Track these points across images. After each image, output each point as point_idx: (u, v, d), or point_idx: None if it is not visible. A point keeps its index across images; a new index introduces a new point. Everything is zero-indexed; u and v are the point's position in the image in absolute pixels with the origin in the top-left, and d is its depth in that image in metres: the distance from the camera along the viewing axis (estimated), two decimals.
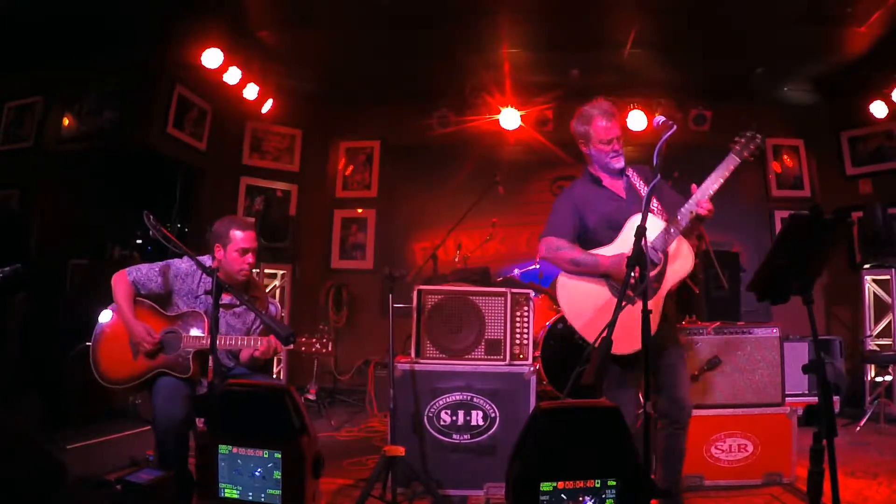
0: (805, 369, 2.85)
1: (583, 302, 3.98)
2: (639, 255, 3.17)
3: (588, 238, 4.07)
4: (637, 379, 3.93)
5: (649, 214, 3.70)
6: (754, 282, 3.17)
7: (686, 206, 3.79)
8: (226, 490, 3.20)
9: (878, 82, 8.10)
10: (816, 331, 2.81)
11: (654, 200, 3.91)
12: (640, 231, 3.22)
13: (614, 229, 3.96)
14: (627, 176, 4.12)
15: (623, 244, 3.86)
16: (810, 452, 2.75)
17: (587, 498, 2.73)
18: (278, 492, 3.12)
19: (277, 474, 3.11)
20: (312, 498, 3.21)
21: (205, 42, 7.53)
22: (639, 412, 3.84)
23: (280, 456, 3.10)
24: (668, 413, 3.97)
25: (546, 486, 2.70)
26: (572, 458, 2.77)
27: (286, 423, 3.11)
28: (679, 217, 3.79)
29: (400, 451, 4.41)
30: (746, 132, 3.83)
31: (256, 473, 3.14)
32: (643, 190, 3.94)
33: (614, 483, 2.75)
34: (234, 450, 3.18)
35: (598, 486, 2.74)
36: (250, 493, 3.17)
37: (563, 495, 2.72)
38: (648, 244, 3.69)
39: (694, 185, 3.77)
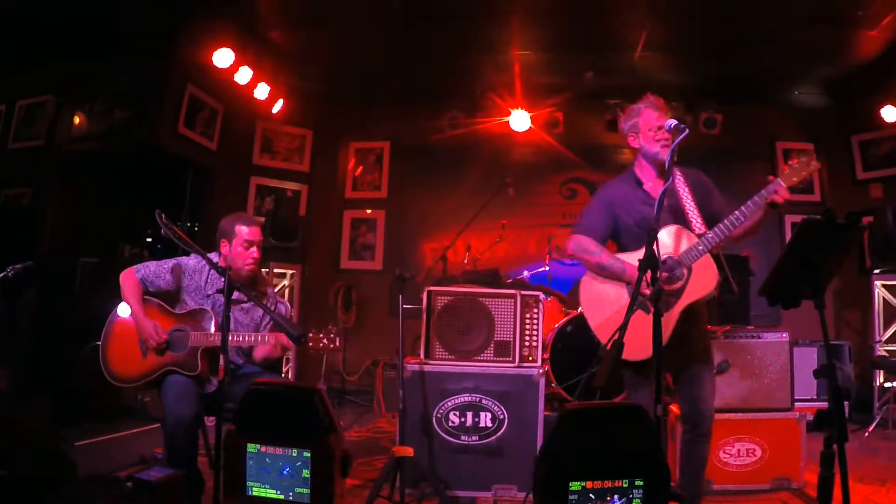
0: (816, 374, 2.84)
1: (602, 303, 3.97)
2: (650, 259, 3.16)
3: (618, 239, 4.07)
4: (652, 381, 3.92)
5: (683, 229, 3.76)
6: (766, 286, 3.16)
7: (757, 196, 3.58)
8: (254, 489, 3.21)
9: (889, 86, 8.08)
10: (828, 335, 2.80)
11: (695, 208, 3.84)
12: (652, 235, 3.20)
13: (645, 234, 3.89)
14: (672, 178, 3.93)
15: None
16: (821, 457, 2.74)
17: (615, 497, 2.74)
18: (307, 490, 3.14)
19: (306, 473, 3.14)
20: (341, 496, 3.24)
21: (216, 42, 7.56)
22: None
23: (309, 454, 3.12)
24: (690, 420, 3.95)
25: (575, 486, 2.72)
26: (600, 458, 2.79)
27: (315, 422, 3.12)
28: (735, 215, 3.61)
29: (409, 451, 4.41)
30: (802, 156, 3.60)
31: (285, 472, 3.17)
32: (686, 196, 3.88)
33: (641, 483, 2.76)
34: (263, 448, 3.20)
35: (625, 486, 2.76)
36: (279, 492, 3.18)
37: (591, 495, 2.74)
38: (675, 258, 3.71)
39: (771, 176, 3.57)
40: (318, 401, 3.16)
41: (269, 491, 3.19)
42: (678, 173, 3.96)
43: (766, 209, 3.56)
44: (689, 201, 3.85)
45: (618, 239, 4.07)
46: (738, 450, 4.99)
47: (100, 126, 8.07)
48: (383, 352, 8.23)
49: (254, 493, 3.21)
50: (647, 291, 3.44)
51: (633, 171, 4.09)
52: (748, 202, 3.57)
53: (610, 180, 4.26)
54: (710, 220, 3.75)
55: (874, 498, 4.80)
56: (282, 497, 3.18)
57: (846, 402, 7.10)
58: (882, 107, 8.24)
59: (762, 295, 3.17)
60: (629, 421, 2.86)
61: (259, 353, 4.38)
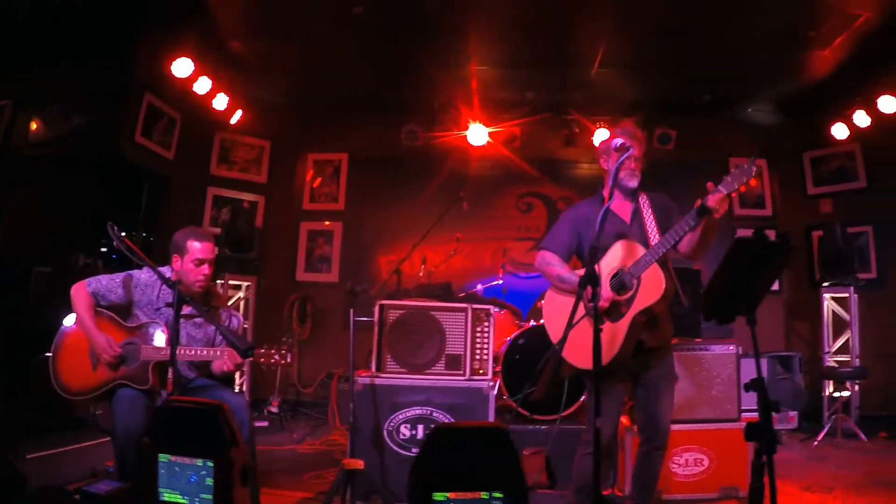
0: (747, 387, 2.92)
1: (562, 316, 4.01)
2: (591, 276, 3.25)
3: (583, 257, 4.18)
4: (616, 392, 3.99)
5: (635, 242, 3.88)
6: (702, 302, 3.24)
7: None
8: (165, 494, 3.31)
9: (839, 104, 8.33)
10: (758, 350, 2.89)
11: (655, 227, 3.99)
12: (593, 251, 3.30)
13: (605, 251, 4.01)
14: (638, 202, 4.15)
15: (604, 266, 3.91)
16: (752, 467, 2.82)
17: None
18: (210, 497, 3.25)
19: (210, 481, 3.24)
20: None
21: (176, 51, 7.56)
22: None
23: (213, 465, 3.23)
24: (645, 431, 4.06)
25: (439, 497, 2.90)
26: (463, 472, 2.97)
27: (219, 436, 3.25)
28: (679, 225, 3.75)
29: (359, 464, 4.44)
30: (744, 163, 3.80)
31: (192, 480, 3.27)
32: (649, 217, 4.05)
33: (500, 495, 2.93)
34: (173, 458, 3.31)
35: (485, 497, 2.93)
36: (186, 498, 3.27)
37: None
38: (626, 269, 3.82)
39: (710, 184, 3.73)
40: (221, 417, 3.31)
41: (178, 497, 3.29)
42: (644, 196, 4.17)
43: (706, 219, 3.68)
44: (650, 221, 4.03)
45: (582, 257, 4.20)
46: (686, 460, 5.08)
47: (57, 132, 7.99)
48: (338, 364, 8.22)
49: (165, 499, 3.32)
50: (604, 305, 3.71)
51: (602, 192, 4.26)
52: (687, 215, 3.72)
53: (579, 201, 4.43)
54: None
55: None
56: (188, 503, 3.27)
57: (795, 412, 7.23)
58: (832, 124, 8.47)
59: (699, 311, 3.26)
60: (490, 439, 3.05)
61: (216, 367, 4.39)
